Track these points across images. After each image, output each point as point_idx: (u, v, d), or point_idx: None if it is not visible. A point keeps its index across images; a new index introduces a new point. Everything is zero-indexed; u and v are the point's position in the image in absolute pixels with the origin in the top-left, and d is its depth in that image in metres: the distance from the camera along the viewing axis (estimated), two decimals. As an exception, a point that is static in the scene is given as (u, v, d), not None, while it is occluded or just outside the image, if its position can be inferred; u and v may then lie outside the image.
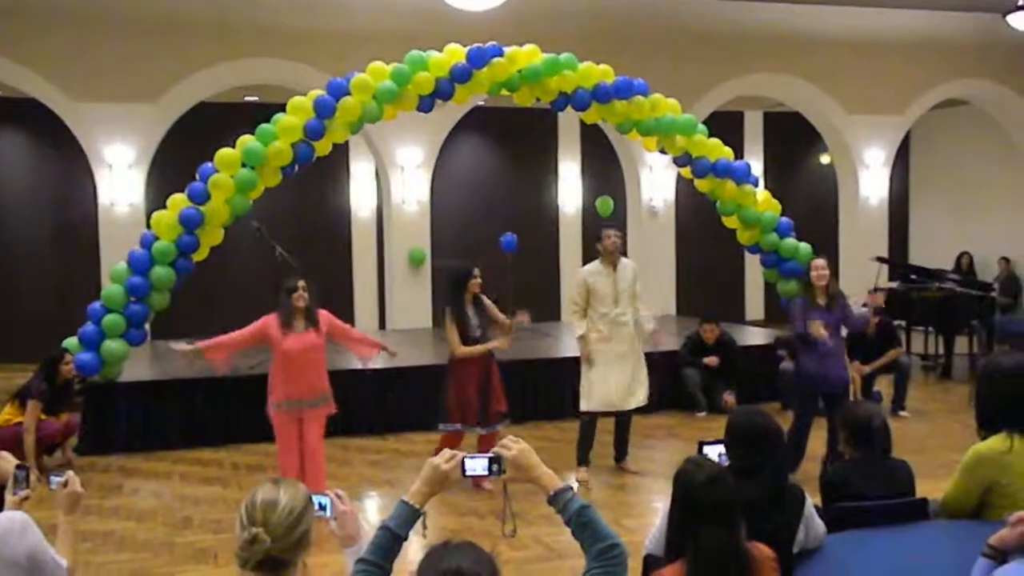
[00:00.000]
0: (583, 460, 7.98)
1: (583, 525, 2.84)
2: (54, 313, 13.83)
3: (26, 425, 8.16)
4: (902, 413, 10.13)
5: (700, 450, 3.92)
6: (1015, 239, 16.33)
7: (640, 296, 8.08)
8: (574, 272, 8.07)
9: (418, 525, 2.91)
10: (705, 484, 3.24)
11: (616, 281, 7.91)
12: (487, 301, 7.88)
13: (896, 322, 11.18)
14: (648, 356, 10.16)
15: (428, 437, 9.30)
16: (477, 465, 2.95)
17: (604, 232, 7.99)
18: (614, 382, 7.81)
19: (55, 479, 3.74)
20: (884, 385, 10.57)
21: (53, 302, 14.39)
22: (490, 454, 2.96)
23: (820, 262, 7.93)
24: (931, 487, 4.77)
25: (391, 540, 2.84)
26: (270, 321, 7.01)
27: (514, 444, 2.97)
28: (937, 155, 18.36)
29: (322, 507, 3.09)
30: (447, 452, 2.96)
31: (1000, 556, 3.10)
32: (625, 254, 8.25)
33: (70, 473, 3.76)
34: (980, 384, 4.36)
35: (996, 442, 4.14)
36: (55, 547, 3.58)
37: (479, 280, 7.76)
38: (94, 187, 12.27)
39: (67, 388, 8.69)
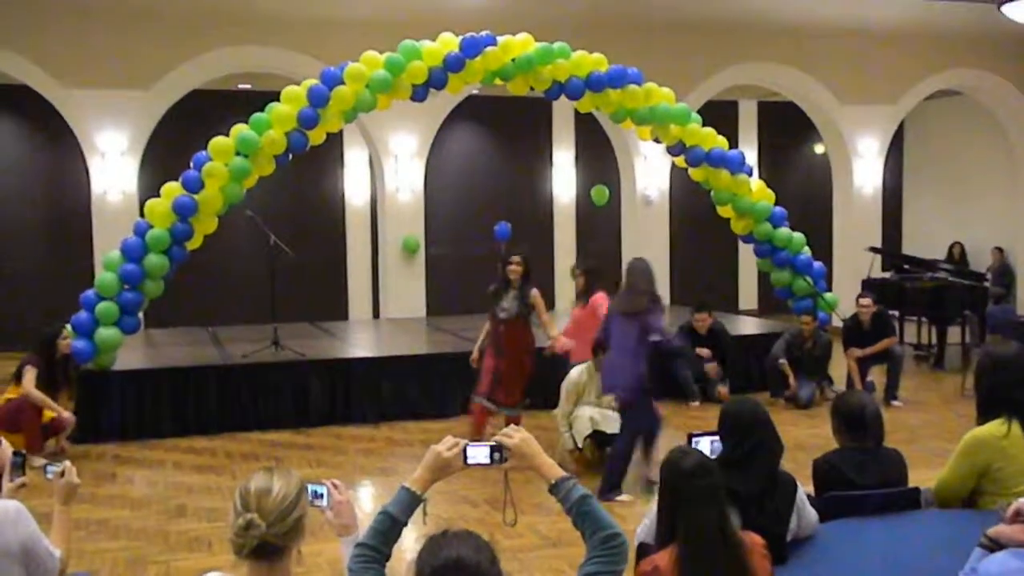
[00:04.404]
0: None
1: (584, 514, 2.85)
2: (47, 301, 13.79)
3: (26, 391, 8.09)
4: (895, 403, 10.16)
5: (689, 442, 3.95)
6: (1008, 229, 16.36)
7: None
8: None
9: (418, 512, 2.92)
10: (692, 471, 3.26)
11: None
12: (535, 295, 7.91)
13: (889, 312, 11.20)
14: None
15: (422, 426, 9.33)
16: (479, 453, 2.96)
17: (601, 356, 7.71)
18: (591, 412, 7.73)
19: (51, 469, 3.73)
20: (877, 374, 10.60)
21: (46, 290, 14.33)
22: (492, 442, 2.97)
23: None
24: (923, 476, 4.80)
25: (391, 525, 2.85)
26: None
27: (516, 433, 2.98)
28: (931, 145, 18.38)
29: (318, 496, 3.10)
30: (449, 439, 2.97)
31: (997, 548, 3.11)
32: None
33: (67, 463, 3.75)
34: (982, 373, 4.45)
35: (994, 427, 4.26)
36: (49, 536, 3.58)
37: (516, 268, 7.84)
38: (87, 175, 12.24)
39: (65, 364, 8.60)
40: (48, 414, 8.39)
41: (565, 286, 17.25)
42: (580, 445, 7.74)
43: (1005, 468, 4.20)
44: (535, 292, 7.98)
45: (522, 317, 7.94)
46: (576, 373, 7.89)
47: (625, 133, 13.09)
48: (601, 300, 7.97)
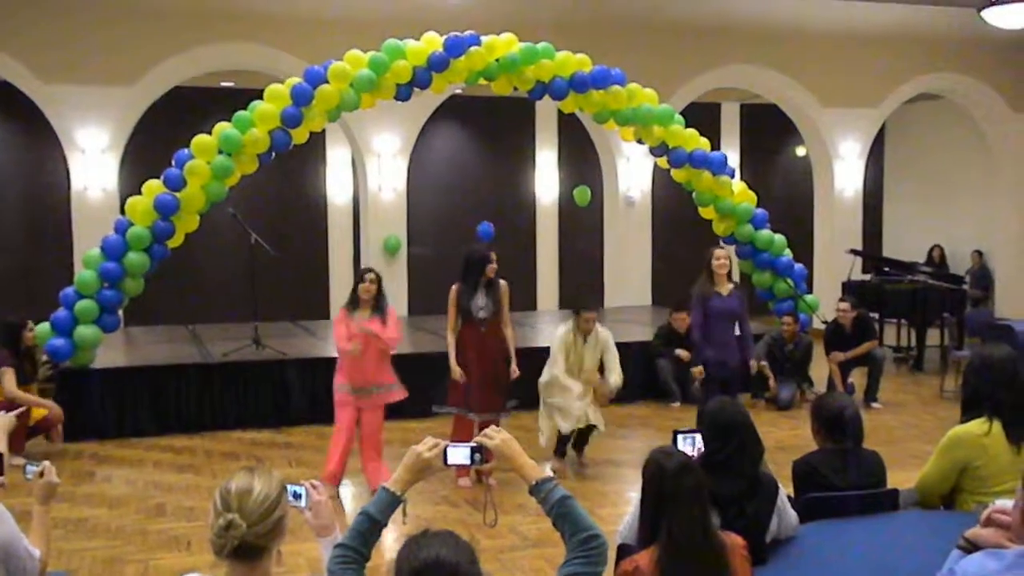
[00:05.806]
0: (559, 452, 7.99)
1: (564, 515, 2.86)
2: (26, 298, 13.70)
3: (9, 393, 7.87)
4: (874, 405, 10.21)
5: (674, 439, 3.96)
6: (987, 233, 16.46)
7: (613, 366, 7.84)
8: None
9: (398, 512, 2.92)
10: (674, 472, 3.27)
11: (583, 353, 7.78)
12: (503, 287, 7.66)
13: (869, 314, 11.25)
14: (622, 346, 10.14)
15: (402, 425, 9.28)
16: (459, 454, 2.96)
17: (584, 314, 7.77)
18: (577, 406, 7.70)
19: (31, 468, 3.71)
20: (857, 377, 10.65)
21: (24, 287, 14.24)
22: (472, 443, 2.98)
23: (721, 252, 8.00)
24: (902, 478, 4.83)
25: (371, 525, 2.86)
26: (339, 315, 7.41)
27: (496, 434, 2.99)
28: (911, 148, 18.48)
29: (297, 496, 3.09)
30: (430, 440, 2.98)
31: (974, 549, 3.14)
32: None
33: (46, 463, 3.73)
34: (969, 372, 4.52)
35: (975, 425, 4.33)
36: (28, 536, 3.56)
37: (495, 266, 7.59)
38: (67, 171, 12.16)
39: (30, 356, 8.49)
40: (37, 412, 8.24)
41: (547, 285, 17.30)
42: (566, 432, 7.73)
43: (985, 466, 4.27)
44: (503, 283, 7.70)
45: (498, 314, 7.67)
46: (563, 331, 7.83)
47: (608, 134, 13.11)
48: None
